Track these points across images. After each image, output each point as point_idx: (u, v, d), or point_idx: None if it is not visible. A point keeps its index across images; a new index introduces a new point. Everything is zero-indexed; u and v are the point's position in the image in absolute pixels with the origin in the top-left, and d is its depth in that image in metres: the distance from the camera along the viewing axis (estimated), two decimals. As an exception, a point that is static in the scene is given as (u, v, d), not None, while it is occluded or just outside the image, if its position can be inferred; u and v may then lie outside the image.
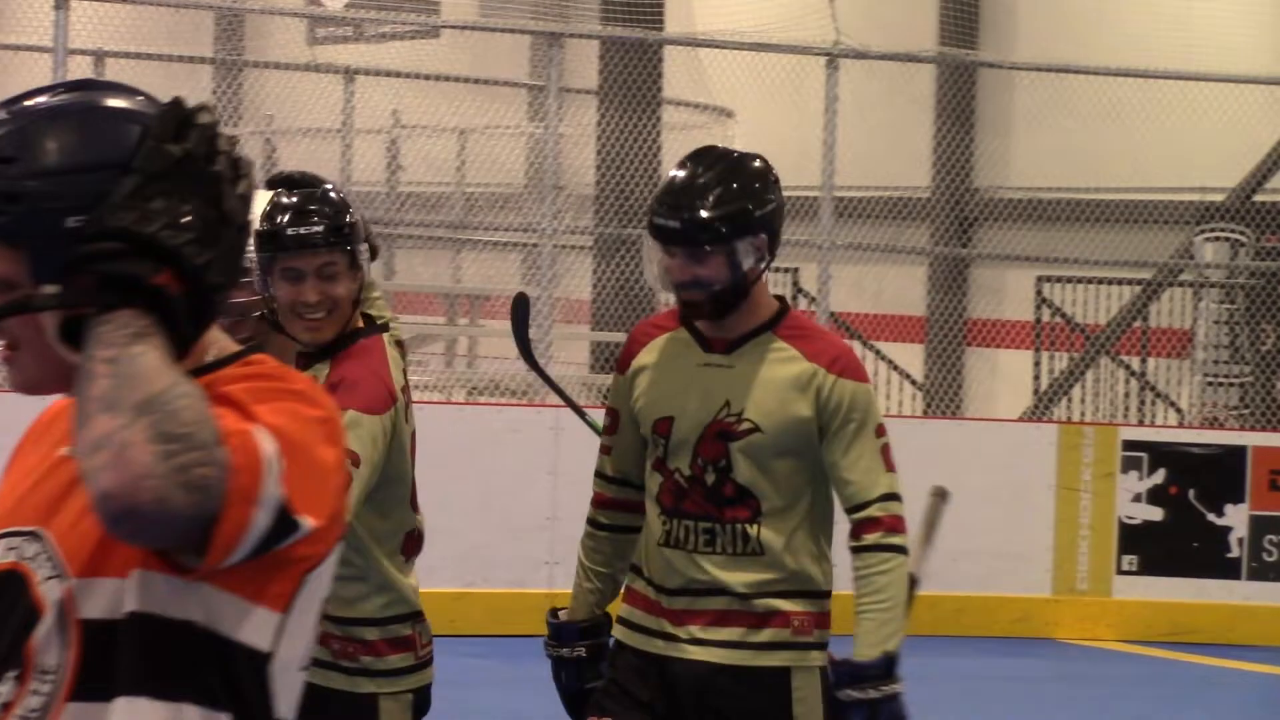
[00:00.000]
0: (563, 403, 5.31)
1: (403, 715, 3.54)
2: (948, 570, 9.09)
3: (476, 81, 13.52)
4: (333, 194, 3.47)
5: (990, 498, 9.06)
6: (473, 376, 12.89)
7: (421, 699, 3.57)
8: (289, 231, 3.27)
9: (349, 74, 12.54)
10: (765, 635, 3.39)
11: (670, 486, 3.40)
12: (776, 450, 3.40)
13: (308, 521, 1.41)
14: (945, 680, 8.53)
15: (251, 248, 3.02)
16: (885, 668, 3.40)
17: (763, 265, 3.50)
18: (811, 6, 11.01)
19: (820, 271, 10.24)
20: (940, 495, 4.07)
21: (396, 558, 3.42)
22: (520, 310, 4.61)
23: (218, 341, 1.51)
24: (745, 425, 3.37)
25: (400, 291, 13.39)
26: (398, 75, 12.88)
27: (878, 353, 12.80)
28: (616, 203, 11.04)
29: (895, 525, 3.39)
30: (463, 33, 13.52)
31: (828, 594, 3.53)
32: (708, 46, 11.61)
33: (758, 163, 3.57)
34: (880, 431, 3.50)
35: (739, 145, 12.26)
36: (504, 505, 9.22)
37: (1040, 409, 12.11)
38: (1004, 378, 13.07)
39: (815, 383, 3.39)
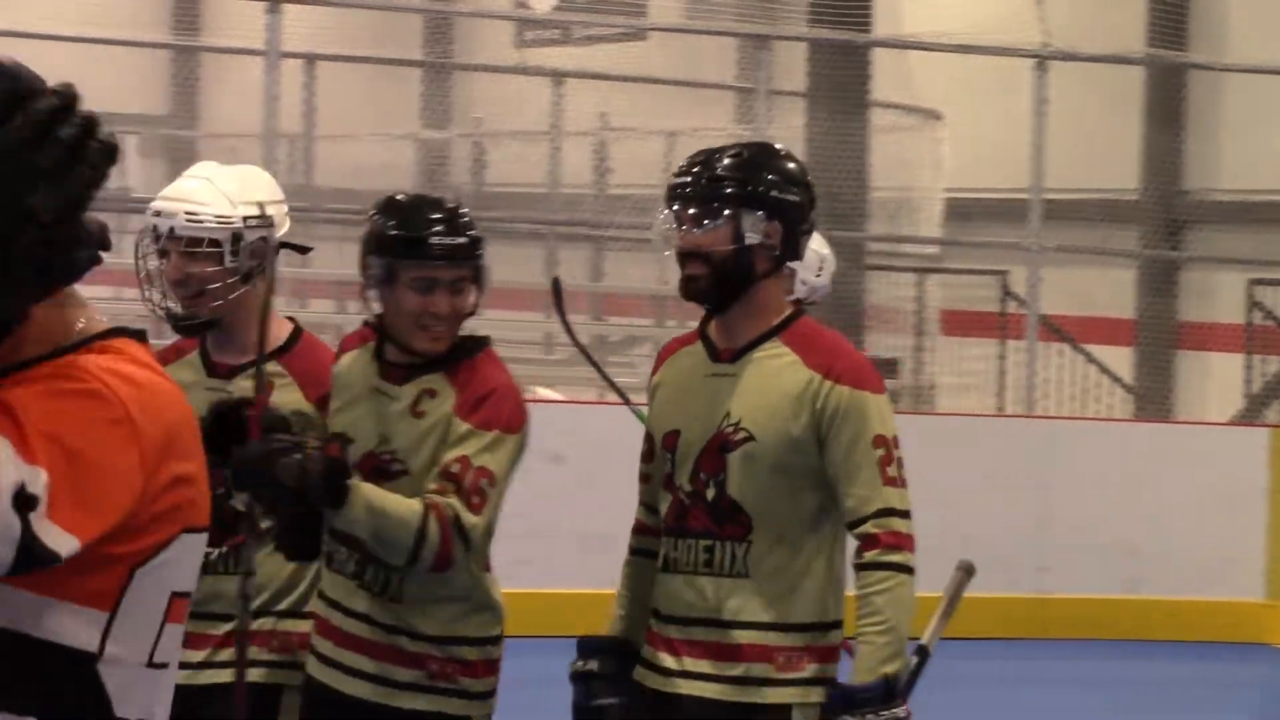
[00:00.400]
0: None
1: None
2: (1161, 574, 9.06)
3: (684, 84, 13.63)
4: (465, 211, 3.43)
5: (1201, 501, 8.99)
6: (681, 378, 13.07)
7: None
8: (435, 241, 3.19)
9: (557, 77, 12.72)
10: (758, 670, 3.16)
11: (674, 505, 3.24)
12: (772, 462, 3.17)
13: (68, 540, 1.31)
14: (1158, 685, 8.51)
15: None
16: (883, 691, 3.11)
17: (773, 259, 3.27)
18: (1019, 8, 10.93)
19: (1029, 274, 10.21)
20: (966, 570, 3.84)
21: (487, 574, 3.33)
22: (556, 293, 4.57)
23: (80, 322, 1.46)
24: (741, 434, 3.17)
25: (609, 294, 13.59)
26: (605, 78, 13.05)
27: (1087, 355, 12.70)
28: (824, 205, 11.09)
29: (894, 542, 3.12)
30: (670, 35, 13.53)
31: (834, 625, 3.24)
32: (916, 49, 11.64)
33: (791, 162, 3.43)
34: (880, 442, 3.19)
35: (947, 148, 12.33)
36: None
37: (1252, 412, 11.94)
38: (1215, 381, 12.86)
39: (811, 390, 3.15)
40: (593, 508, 8.95)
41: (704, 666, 3.18)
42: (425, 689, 3.20)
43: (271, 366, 3.25)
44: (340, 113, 13.33)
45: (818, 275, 5.27)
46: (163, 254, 3.25)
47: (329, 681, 3.26)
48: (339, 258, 14.26)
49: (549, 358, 13.05)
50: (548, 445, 8.93)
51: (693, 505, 3.21)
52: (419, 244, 3.17)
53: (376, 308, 3.25)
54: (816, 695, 3.17)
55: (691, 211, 3.21)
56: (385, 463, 3.21)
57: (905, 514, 3.16)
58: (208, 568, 3.00)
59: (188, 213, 3.25)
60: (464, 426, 3.14)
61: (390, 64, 14.70)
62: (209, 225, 3.23)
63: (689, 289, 3.27)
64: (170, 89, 16.09)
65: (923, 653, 3.43)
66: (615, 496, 8.95)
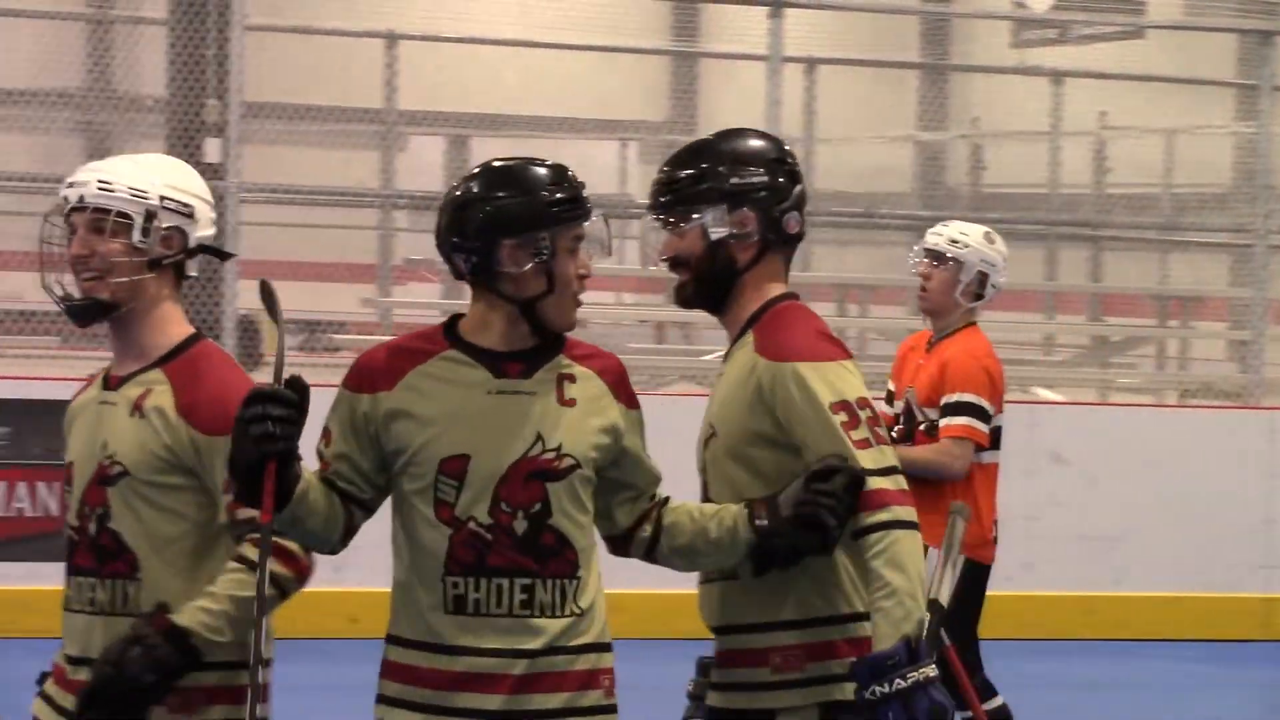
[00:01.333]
0: None
1: None
2: None
3: (1183, 81, 13.32)
4: None
5: None
6: (1184, 379, 12.72)
7: None
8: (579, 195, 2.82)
9: (1056, 76, 12.67)
10: (753, 675, 3.00)
11: None
12: (734, 457, 2.97)
13: None
14: None
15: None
16: (907, 653, 2.86)
17: (754, 246, 3.05)
18: None
19: None
20: (959, 513, 3.62)
21: None
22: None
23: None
24: (707, 431, 3.03)
25: (1108, 294, 13.41)
26: (1104, 77, 12.91)
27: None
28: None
29: (877, 502, 2.84)
30: (1168, 32, 13.33)
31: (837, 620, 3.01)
32: None
33: (754, 140, 3.16)
34: (839, 408, 2.90)
35: None
36: (1216, 509, 9.16)
37: None
38: None
39: (756, 374, 2.92)
40: (1094, 508, 8.99)
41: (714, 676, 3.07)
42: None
43: (156, 373, 2.94)
44: (839, 116, 13.60)
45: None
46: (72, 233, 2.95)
47: None
48: (838, 260, 14.65)
49: (1049, 359, 13.02)
50: (1050, 446, 9.05)
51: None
52: (576, 202, 2.76)
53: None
54: (820, 695, 2.98)
55: (657, 221, 3.06)
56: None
57: (885, 471, 2.88)
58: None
59: (100, 180, 2.96)
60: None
61: (888, 67, 14.88)
62: (120, 196, 2.95)
63: (679, 297, 3.12)
64: (670, 95, 16.47)
65: (934, 606, 3.25)
66: (1117, 497, 9.01)
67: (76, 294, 2.98)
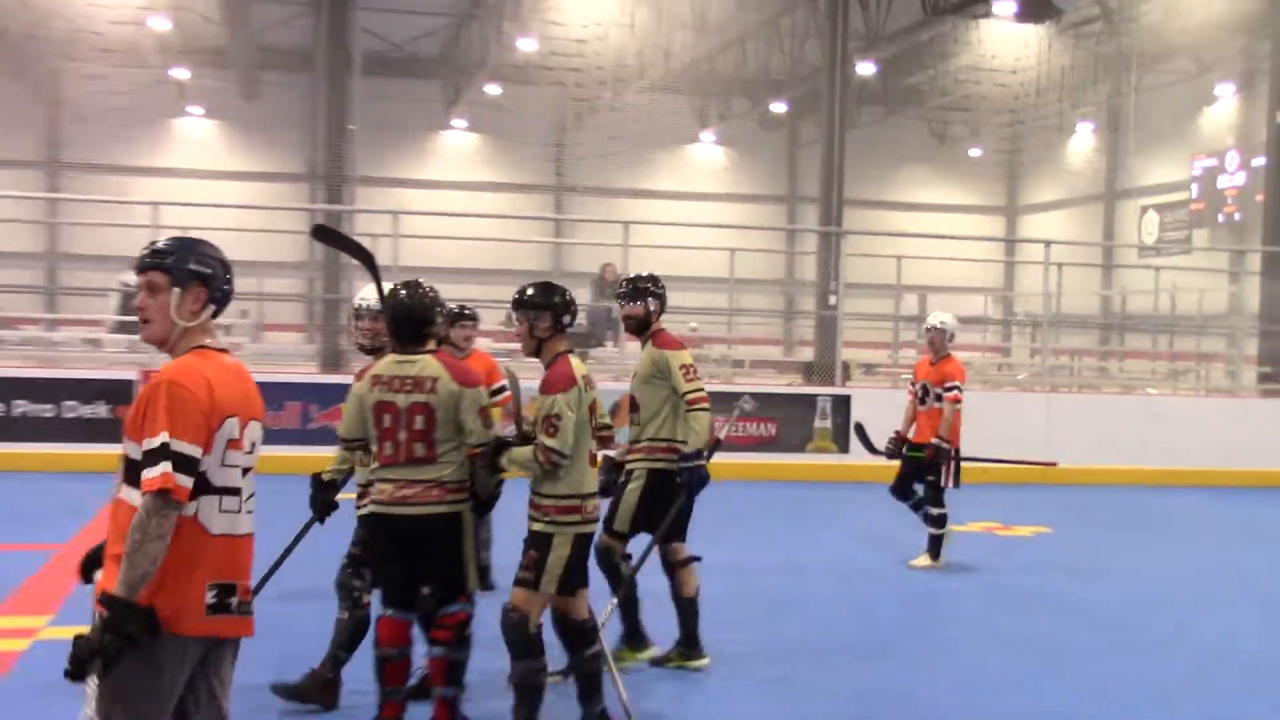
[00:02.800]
0: None
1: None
2: None
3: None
4: None
5: None
6: None
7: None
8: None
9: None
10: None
11: None
12: (642, 384, 7.32)
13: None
14: None
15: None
16: (697, 455, 7.00)
17: (654, 316, 7.30)
18: None
19: None
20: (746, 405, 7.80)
21: None
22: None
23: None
24: (635, 376, 7.42)
25: None
26: None
27: None
28: None
29: (696, 399, 7.10)
30: None
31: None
32: None
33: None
34: (683, 368, 7.09)
35: None
36: None
37: None
38: None
39: (651, 355, 7.30)
40: None
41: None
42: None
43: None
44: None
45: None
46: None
47: None
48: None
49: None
50: None
51: None
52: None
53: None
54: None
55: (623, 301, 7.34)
56: None
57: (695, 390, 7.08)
58: None
59: None
60: None
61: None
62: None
63: (633, 330, 7.34)
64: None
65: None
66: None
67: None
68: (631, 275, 7.39)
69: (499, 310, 17.87)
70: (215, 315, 3.83)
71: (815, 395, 16.12)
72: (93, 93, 30.57)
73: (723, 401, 8.16)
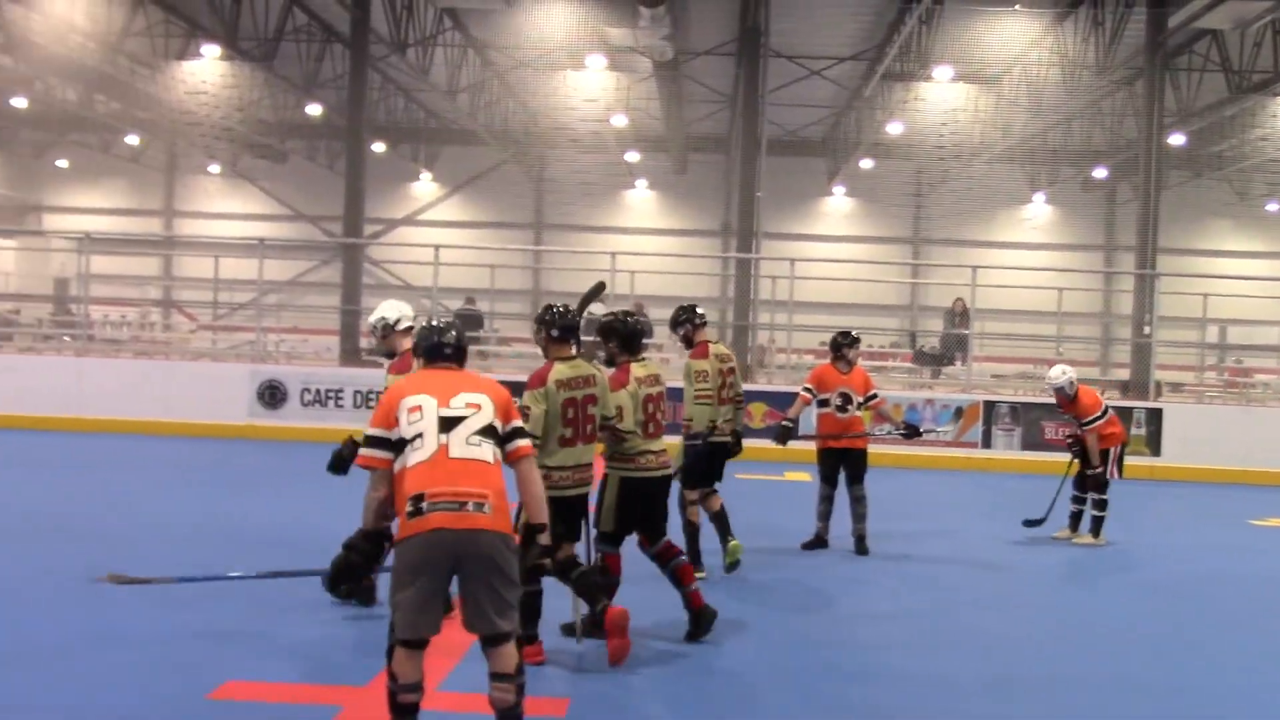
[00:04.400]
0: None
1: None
2: None
3: None
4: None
5: None
6: None
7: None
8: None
9: None
10: None
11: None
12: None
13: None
14: None
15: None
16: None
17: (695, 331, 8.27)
18: None
19: None
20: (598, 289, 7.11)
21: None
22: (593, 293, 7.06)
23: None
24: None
25: None
26: None
27: None
28: None
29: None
30: None
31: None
32: None
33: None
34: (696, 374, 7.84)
35: None
36: None
37: None
38: None
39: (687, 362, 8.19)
40: None
41: None
42: None
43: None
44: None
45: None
46: None
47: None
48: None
49: None
50: None
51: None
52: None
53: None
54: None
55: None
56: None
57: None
58: None
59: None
60: None
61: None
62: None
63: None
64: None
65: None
66: None
67: None
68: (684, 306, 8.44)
69: (881, 335, 18.23)
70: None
71: (1131, 408, 15.72)
72: (568, 171, 32.56)
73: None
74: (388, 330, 6.90)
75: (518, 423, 4.54)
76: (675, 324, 8.28)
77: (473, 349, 18.74)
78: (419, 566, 4.20)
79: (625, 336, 6.51)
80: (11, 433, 14.61)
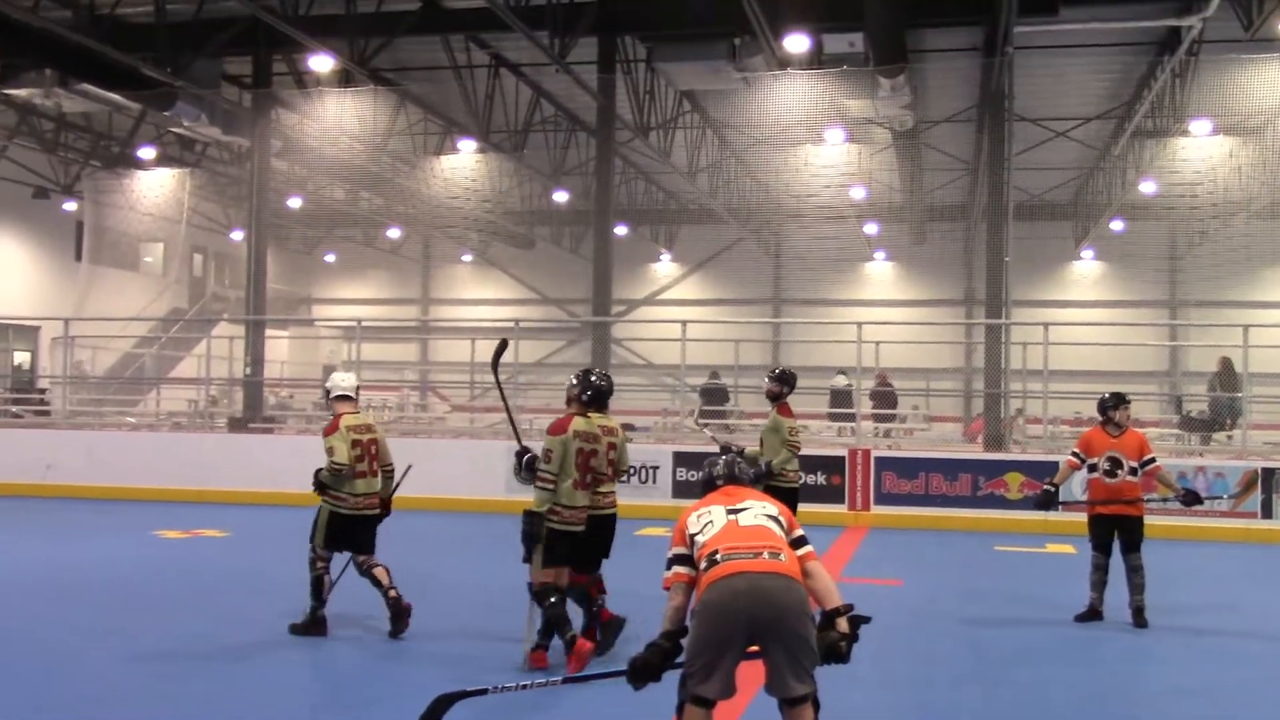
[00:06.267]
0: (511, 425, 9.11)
1: None
2: None
3: None
4: None
5: None
6: None
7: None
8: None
9: None
10: None
11: None
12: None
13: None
14: None
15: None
16: None
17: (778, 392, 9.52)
18: None
19: None
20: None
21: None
22: (499, 350, 7.75)
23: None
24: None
25: None
26: None
27: None
28: None
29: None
30: None
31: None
32: None
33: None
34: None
35: None
36: None
37: None
38: None
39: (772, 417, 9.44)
40: None
41: None
42: None
43: None
44: None
45: None
46: None
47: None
48: None
49: None
50: None
51: None
52: None
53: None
54: None
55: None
56: None
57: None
58: None
59: None
60: None
61: None
62: None
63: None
64: None
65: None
66: None
67: None
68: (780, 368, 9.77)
69: (1143, 401, 17.48)
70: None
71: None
72: (807, 242, 32.68)
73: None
74: (326, 396, 8.39)
75: (800, 532, 4.55)
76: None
77: (717, 422, 19.10)
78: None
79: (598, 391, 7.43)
80: (296, 510, 15.57)
